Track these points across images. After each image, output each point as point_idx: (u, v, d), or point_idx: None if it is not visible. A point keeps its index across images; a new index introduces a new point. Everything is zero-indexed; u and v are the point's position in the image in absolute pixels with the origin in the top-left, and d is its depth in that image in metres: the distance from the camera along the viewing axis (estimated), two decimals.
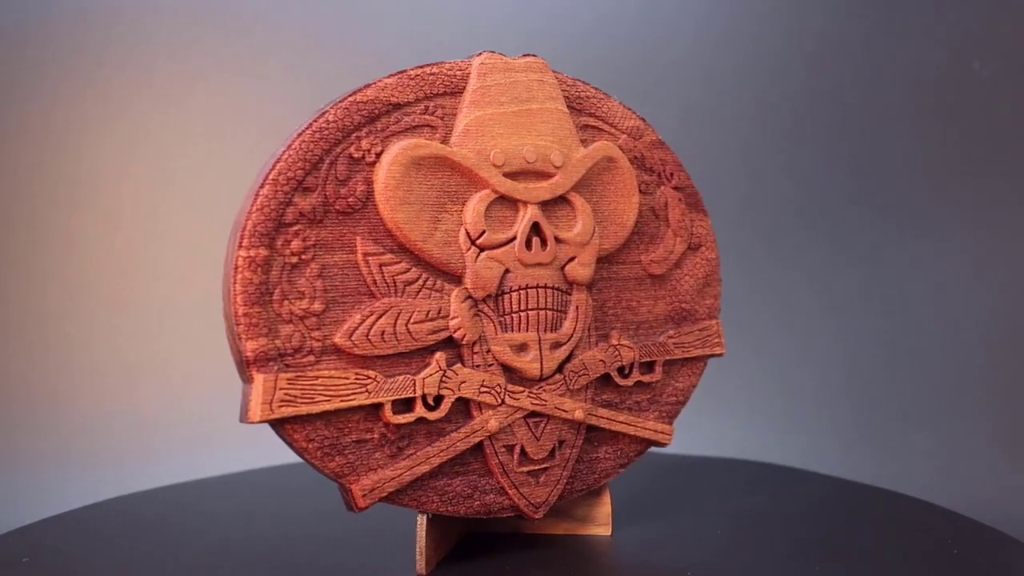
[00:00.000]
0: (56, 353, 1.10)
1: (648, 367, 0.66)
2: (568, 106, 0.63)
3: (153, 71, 1.15)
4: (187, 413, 1.05)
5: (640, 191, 0.66)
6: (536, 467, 0.61)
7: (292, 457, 0.56)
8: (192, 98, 1.17)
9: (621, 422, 0.65)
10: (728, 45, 1.26)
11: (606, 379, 0.64)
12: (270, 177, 0.52)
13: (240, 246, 0.51)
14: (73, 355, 1.11)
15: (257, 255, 0.51)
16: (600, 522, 0.66)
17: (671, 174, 0.68)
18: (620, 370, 0.64)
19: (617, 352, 0.64)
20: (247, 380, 0.52)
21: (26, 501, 0.74)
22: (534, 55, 0.62)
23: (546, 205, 0.61)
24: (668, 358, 0.67)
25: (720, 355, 0.70)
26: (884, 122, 1.24)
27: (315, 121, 0.54)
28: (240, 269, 0.51)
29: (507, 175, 0.59)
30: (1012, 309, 1.14)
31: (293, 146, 0.53)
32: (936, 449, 1.09)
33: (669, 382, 0.68)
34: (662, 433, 0.67)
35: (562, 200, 0.62)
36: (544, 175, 0.61)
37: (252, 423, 0.51)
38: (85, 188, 1.14)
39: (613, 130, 0.65)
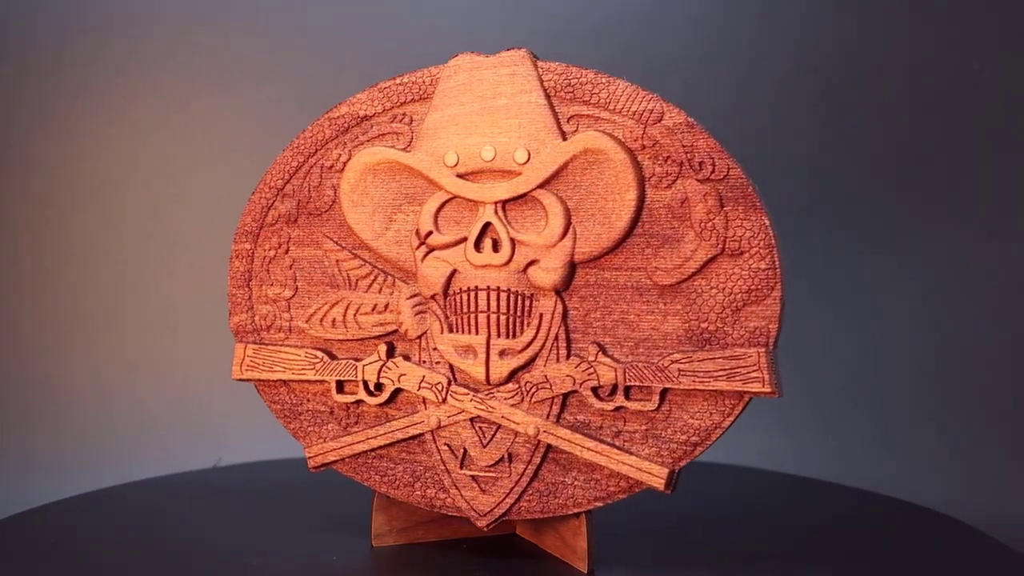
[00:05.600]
0: (55, 352, 1.16)
1: (641, 392, 0.55)
2: (553, 96, 0.57)
3: (155, 72, 1.15)
4: (188, 411, 1.08)
5: (651, 185, 0.55)
6: (481, 474, 0.59)
7: (298, 452, 0.66)
8: (195, 99, 1.16)
9: (588, 448, 0.56)
10: (729, 44, 1.17)
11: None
12: (259, 185, 0.64)
13: (234, 241, 0.65)
14: (74, 354, 1.16)
15: (243, 249, 0.65)
16: (579, 555, 0.58)
17: (700, 163, 0.54)
18: (595, 390, 0.56)
19: (592, 369, 0.56)
20: None
21: (27, 496, 0.83)
22: (518, 48, 0.58)
23: (511, 205, 0.58)
24: (668, 386, 0.54)
25: (765, 395, 0.53)
26: (889, 121, 1.16)
27: (297, 137, 0.64)
28: (232, 259, 0.65)
29: (464, 175, 0.59)
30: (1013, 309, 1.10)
31: (278, 159, 0.64)
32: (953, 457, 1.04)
33: (677, 416, 0.55)
34: (648, 474, 0.55)
35: (532, 199, 0.57)
36: (508, 173, 0.58)
37: (233, 379, 0.65)
38: (86, 188, 1.17)
39: (615, 117, 0.56)
